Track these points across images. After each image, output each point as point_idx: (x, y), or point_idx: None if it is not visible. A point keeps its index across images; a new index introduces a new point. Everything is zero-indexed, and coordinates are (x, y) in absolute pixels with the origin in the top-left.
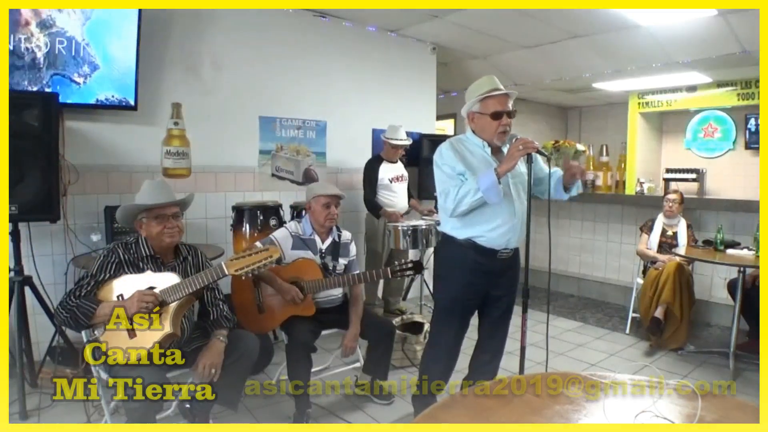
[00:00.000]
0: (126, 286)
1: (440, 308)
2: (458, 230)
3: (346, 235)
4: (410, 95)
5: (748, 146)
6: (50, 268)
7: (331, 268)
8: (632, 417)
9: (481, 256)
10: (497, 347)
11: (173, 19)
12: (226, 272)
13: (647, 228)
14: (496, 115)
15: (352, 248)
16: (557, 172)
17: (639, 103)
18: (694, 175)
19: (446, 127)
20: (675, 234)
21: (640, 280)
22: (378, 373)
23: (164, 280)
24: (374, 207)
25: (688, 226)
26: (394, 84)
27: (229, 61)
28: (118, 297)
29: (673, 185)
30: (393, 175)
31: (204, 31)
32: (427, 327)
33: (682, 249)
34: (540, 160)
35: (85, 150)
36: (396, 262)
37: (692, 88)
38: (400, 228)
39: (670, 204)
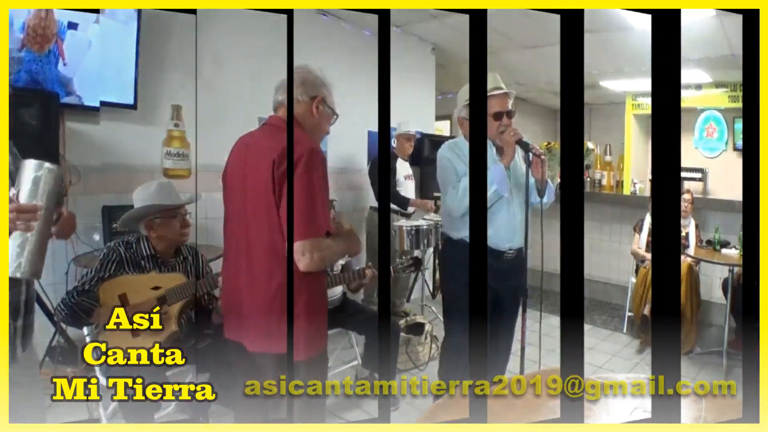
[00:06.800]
0: (129, 285)
1: (455, 313)
2: (460, 232)
3: None
4: (409, 95)
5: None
6: (50, 267)
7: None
8: (631, 416)
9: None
10: (505, 349)
11: (173, 19)
12: None
13: (639, 227)
14: (497, 116)
15: None
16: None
17: (632, 105)
18: (699, 175)
19: (443, 127)
20: (687, 235)
21: (634, 279)
22: (377, 366)
23: (170, 281)
24: (402, 200)
25: (696, 227)
26: (393, 84)
27: (229, 61)
28: (120, 297)
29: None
30: (406, 173)
31: (204, 31)
32: (428, 327)
33: (692, 250)
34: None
35: (85, 150)
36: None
37: (692, 87)
38: (404, 228)
39: (685, 205)
